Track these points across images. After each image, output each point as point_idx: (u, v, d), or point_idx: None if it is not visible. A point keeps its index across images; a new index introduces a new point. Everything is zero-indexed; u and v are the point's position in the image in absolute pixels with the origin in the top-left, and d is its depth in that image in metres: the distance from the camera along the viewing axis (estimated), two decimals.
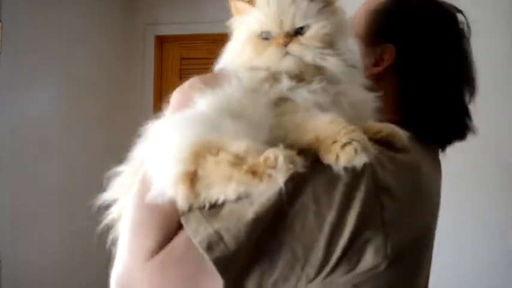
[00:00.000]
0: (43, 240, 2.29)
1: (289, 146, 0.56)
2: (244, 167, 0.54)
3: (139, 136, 0.67)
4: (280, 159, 0.53)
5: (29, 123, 2.24)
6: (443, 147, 0.82)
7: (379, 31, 0.80)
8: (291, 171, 0.53)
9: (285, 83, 0.62)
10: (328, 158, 0.56)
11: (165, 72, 3.03)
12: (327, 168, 0.56)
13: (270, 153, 0.54)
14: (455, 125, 0.80)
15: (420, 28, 0.79)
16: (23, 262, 2.16)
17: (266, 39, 0.64)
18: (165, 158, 0.57)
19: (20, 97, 2.18)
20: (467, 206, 2.28)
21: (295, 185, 0.55)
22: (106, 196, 0.71)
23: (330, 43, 0.64)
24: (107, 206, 0.68)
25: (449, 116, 0.79)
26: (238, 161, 0.54)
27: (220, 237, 0.54)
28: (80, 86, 2.58)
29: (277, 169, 0.53)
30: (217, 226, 0.55)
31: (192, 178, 0.55)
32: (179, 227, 0.57)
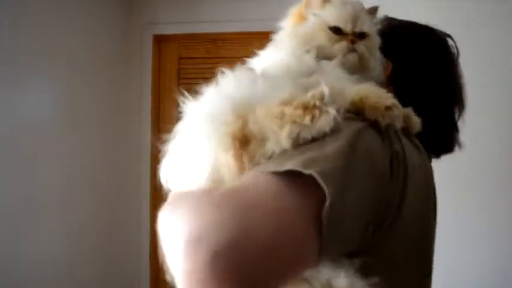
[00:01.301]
0: (41, 239, 2.29)
1: None
2: (294, 104, 0.56)
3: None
4: (326, 91, 0.57)
5: (26, 123, 2.23)
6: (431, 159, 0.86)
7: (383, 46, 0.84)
8: (338, 103, 0.57)
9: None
10: (374, 115, 0.61)
11: (163, 72, 3.03)
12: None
13: (316, 90, 0.57)
14: (445, 140, 0.87)
15: (412, 49, 0.87)
16: (20, 260, 2.16)
17: (336, 33, 0.74)
18: (211, 125, 0.59)
19: (16, 96, 2.17)
20: (466, 206, 2.28)
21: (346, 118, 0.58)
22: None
23: (375, 53, 0.78)
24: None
25: (439, 132, 0.85)
26: (286, 103, 0.56)
27: (312, 161, 0.51)
28: (77, 84, 2.57)
29: (326, 102, 0.56)
30: (302, 157, 0.52)
31: (243, 141, 0.56)
32: None
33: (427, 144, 0.80)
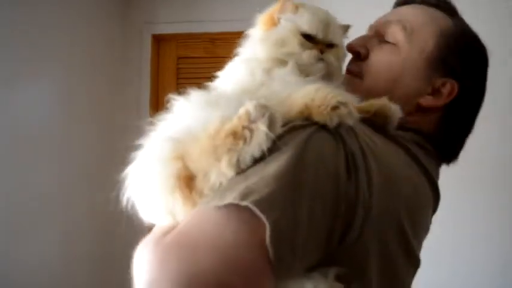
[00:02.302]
0: (38, 239, 2.28)
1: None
2: (222, 134, 0.55)
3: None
4: (251, 109, 0.55)
5: (24, 123, 2.22)
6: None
7: (446, 62, 0.77)
8: (267, 114, 0.55)
9: (289, 67, 0.70)
10: (322, 118, 0.59)
11: (161, 71, 3.02)
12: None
13: (240, 110, 0.56)
14: (460, 147, 0.83)
15: (480, 70, 0.80)
16: (17, 261, 2.15)
17: (307, 40, 0.74)
18: (155, 168, 0.59)
19: (14, 96, 2.17)
20: (466, 207, 2.28)
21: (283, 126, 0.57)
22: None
23: (341, 63, 0.79)
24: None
25: (462, 140, 0.83)
26: (216, 134, 0.56)
27: (251, 189, 0.51)
28: (75, 84, 2.57)
29: (253, 119, 0.55)
30: (243, 185, 0.52)
31: (187, 181, 0.56)
32: None
33: (448, 153, 0.80)
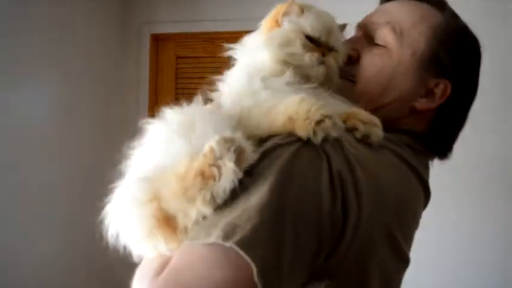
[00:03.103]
0: (37, 238, 2.28)
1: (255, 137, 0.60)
2: (191, 175, 0.55)
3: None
4: (214, 146, 0.55)
5: (23, 123, 2.22)
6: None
7: (439, 61, 0.76)
8: (233, 148, 0.54)
9: (287, 76, 0.69)
10: (306, 133, 0.58)
11: (160, 71, 3.02)
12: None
13: (205, 147, 0.56)
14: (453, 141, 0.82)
15: (473, 65, 0.79)
16: (15, 262, 2.15)
17: (311, 42, 0.74)
18: (132, 209, 0.59)
19: (13, 96, 2.16)
20: (466, 206, 2.28)
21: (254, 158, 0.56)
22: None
23: (339, 68, 0.77)
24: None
25: (455, 134, 0.82)
26: (185, 175, 0.55)
27: (234, 225, 0.52)
28: (74, 84, 2.57)
29: (219, 156, 0.54)
30: (226, 220, 0.53)
31: (166, 220, 0.56)
32: None
33: (441, 149, 0.80)
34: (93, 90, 2.72)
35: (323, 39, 0.74)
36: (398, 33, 0.75)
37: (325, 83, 0.73)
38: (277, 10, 0.76)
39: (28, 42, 2.23)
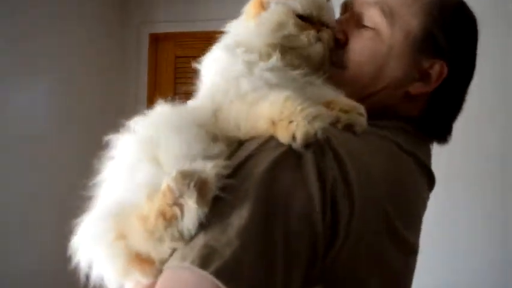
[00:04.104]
0: (33, 239, 2.27)
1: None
2: (152, 218, 0.51)
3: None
4: (171, 184, 0.50)
5: (19, 122, 2.21)
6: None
7: (433, 41, 0.71)
8: (193, 183, 0.50)
9: (274, 60, 0.65)
10: (287, 140, 0.53)
11: (159, 71, 3.01)
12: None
13: (163, 185, 0.51)
14: (449, 125, 0.77)
15: (469, 43, 0.74)
16: (13, 262, 2.14)
17: (302, 21, 0.70)
18: (101, 247, 0.56)
19: (12, 96, 2.16)
20: (465, 205, 2.28)
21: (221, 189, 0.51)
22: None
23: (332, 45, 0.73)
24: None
25: (455, 118, 0.77)
26: (146, 217, 0.52)
27: (212, 249, 0.48)
28: (72, 84, 2.56)
29: (179, 195, 0.50)
30: (202, 242, 0.49)
31: (139, 257, 0.53)
32: None
33: (443, 133, 0.76)
34: (92, 90, 2.72)
35: (315, 14, 0.70)
36: (388, 14, 0.70)
37: (319, 68, 0.69)
38: None
39: (27, 41, 2.23)
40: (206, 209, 0.50)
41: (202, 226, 0.50)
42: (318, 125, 0.54)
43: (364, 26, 0.72)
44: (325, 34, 0.71)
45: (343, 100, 0.63)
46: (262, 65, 0.64)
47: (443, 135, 0.77)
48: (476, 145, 2.13)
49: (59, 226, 2.66)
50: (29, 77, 2.27)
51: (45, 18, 2.37)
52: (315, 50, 0.69)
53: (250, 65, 0.64)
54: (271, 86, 0.61)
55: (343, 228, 0.54)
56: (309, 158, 0.53)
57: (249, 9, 0.74)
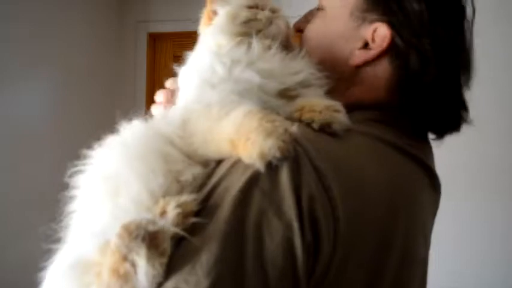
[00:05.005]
0: (34, 237, 2.26)
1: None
2: (105, 276, 0.48)
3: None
4: (118, 242, 0.47)
5: (18, 122, 2.20)
6: (437, 138, 0.72)
7: (371, 3, 0.64)
8: (141, 237, 0.46)
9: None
10: (247, 159, 0.49)
11: (158, 70, 3.00)
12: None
13: (111, 243, 0.48)
14: (451, 115, 0.69)
15: (448, 14, 0.65)
16: (10, 261, 2.13)
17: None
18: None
19: (9, 95, 2.15)
20: (467, 204, 2.28)
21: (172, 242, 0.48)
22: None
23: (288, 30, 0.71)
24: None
25: (446, 104, 0.67)
26: (102, 273, 0.49)
27: None
28: (71, 84, 2.55)
29: (128, 251, 0.47)
30: (171, 285, 0.46)
31: None
32: None
33: (433, 119, 0.67)
34: (90, 90, 2.71)
35: (260, 3, 0.69)
36: None
37: (288, 46, 0.67)
38: (206, 8, 0.72)
39: (26, 41, 2.22)
40: (164, 259, 0.46)
41: (170, 269, 0.46)
42: (271, 142, 0.47)
43: (318, 9, 0.71)
44: (277, 19, 0.68)
45: (312, 100, 0.58)
46: (244, 58, 0.61)
47: (439, 128, 0.70)
48: (477, 146, 2.13)
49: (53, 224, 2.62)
50: (27, 76, 2.25)
51: (44, 18, 2.36)
52: (270, 31, 0.66)
53: (232, 65, 0.61)
54: (242, 95, 0.57)
55: (327, 246, 0.49)
56: (282, 177, 0.48)
57: (201, 27, 0.74)
